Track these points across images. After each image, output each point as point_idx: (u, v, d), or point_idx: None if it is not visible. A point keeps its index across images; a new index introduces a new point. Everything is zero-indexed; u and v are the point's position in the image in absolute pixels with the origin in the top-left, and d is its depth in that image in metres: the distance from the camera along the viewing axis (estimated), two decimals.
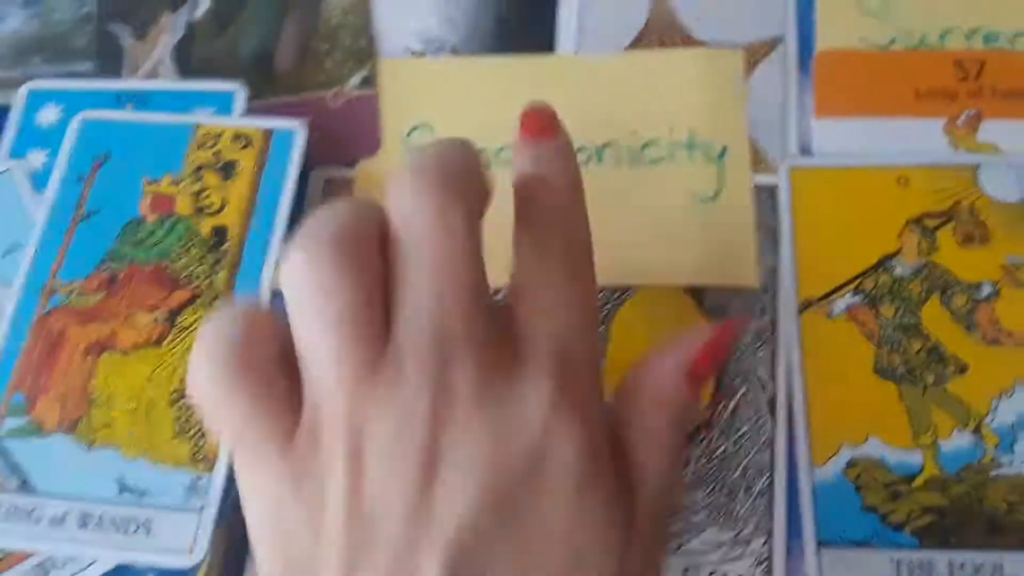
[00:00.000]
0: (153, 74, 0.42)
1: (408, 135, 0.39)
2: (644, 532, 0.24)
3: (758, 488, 0.32)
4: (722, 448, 0.33)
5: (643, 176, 0.37)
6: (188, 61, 0.42)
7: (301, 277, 0.22)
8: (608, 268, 0.34)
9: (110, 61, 0.43)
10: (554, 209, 0.25)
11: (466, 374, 0.22)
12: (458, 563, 0.21)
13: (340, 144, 0.38)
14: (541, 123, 0.26)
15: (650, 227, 0.37)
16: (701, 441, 0.33)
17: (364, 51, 0.41)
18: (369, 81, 0.40)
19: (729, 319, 0.27)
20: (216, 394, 0.22)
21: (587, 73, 0.40)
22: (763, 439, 0.33)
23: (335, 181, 0.38)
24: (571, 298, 0.24)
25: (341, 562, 0.21)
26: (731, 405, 0.33)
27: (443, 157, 0.23)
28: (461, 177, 0.23)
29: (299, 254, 0.22)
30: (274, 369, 0.22)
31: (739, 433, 0.33)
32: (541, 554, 0.22)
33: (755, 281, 0.35)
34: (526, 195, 0.25)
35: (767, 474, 0.32)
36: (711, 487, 0.32)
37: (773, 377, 0.33)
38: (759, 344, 0.34)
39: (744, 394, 0.33)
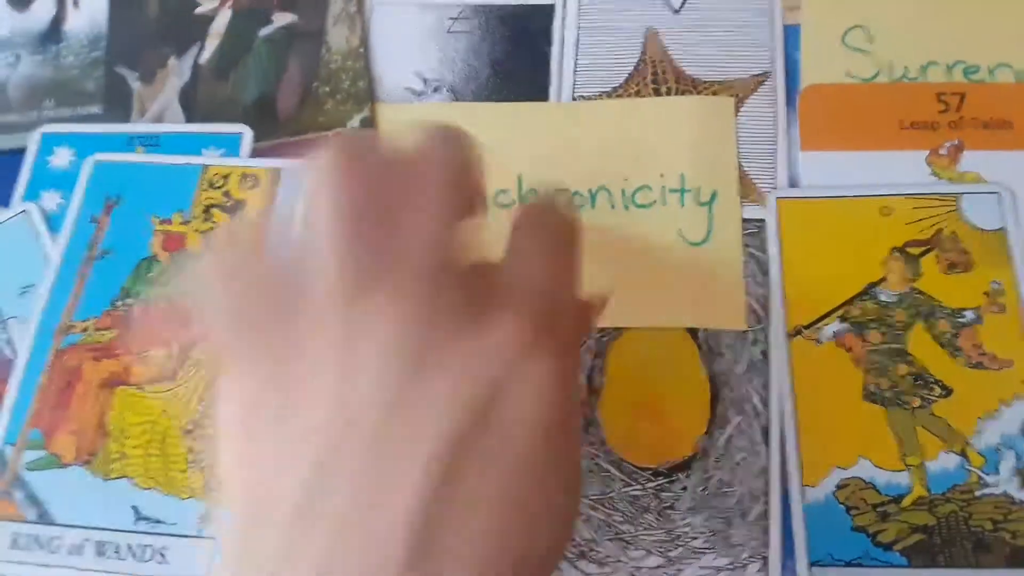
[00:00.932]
0: (160, 117, 0.44)
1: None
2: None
3: (754, 515, 0.33)
4: (718, 476, 0.34)
5: (634, 219, 0.38)
6: (194, 104, 0.44)
7: (335, 173, 0.23)
8: None
9: (118, 104, 0.45)
10: (551, 196, 0.27)
11: (454, 297, 0.22)
12: (438, 470, 0.21)
13: None
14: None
15: (640, 270, 0.37)
16: (697, 470, 0.34)
17: (363, 93, 0.43)
18: (368, 122, 0.42)
19: None
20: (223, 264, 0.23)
21: (581, 119, 0.41)
22: (758, 467, 0.34)
23: None
24: (557, 262, 0.25)
25: (317, 454, 0.21)
26: (726, 435, 0.34)
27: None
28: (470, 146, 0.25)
29: (340, 156, 0.23)
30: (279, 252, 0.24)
31: (735, 462, 0.34)
32: (509, 476, 0.22)
33: (743, 323, 0.36)
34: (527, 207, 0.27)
35: (762, 501, 0.33)
36: (708, 514, 0.33)
37: (767, 405, 0.34)
38: (752, 373, 0.35)
39: (739, 424, 0.34)
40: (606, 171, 0.39)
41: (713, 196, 0.38)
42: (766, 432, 0.34)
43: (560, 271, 0.25)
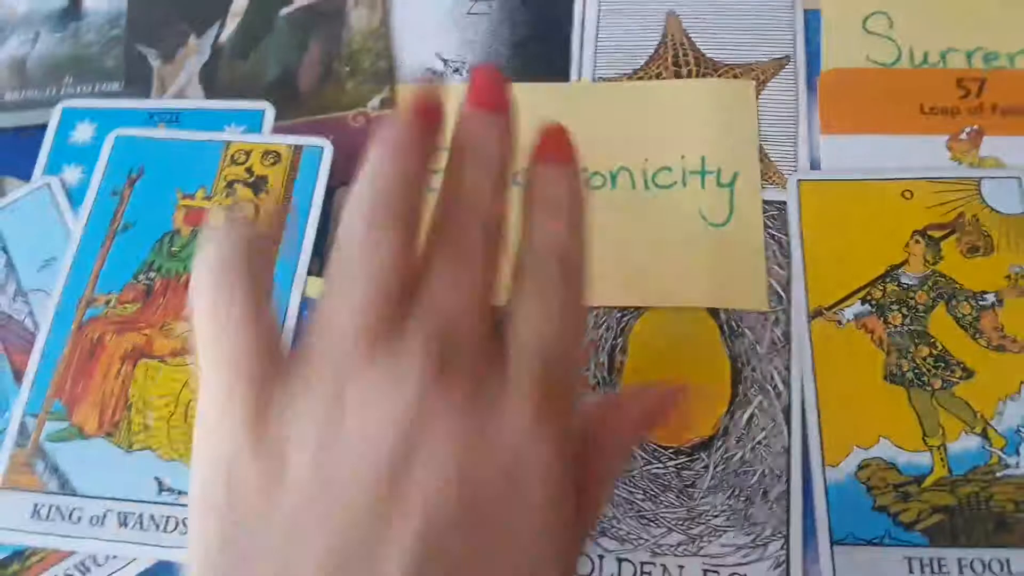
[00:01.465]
0: (181, 95, 0.44)
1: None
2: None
3: (775, 493, 0.33)
4: (739, 455, 0.34)
5: (655, 201, 0.38)
6: (214, 83, 0.44)
7: (358, 220, 0.23)
8: (621, 290, 0.35)
9: (138, 82, 0.45)
10: (556, 235, 0.25)
11: (460, 369, 0.22)
12: (422, 550, 0.20)
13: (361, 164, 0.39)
14: (557, 146, 0.27)
15: (662, 250, 0.37)
16: (719, 449, 0.34)
17: (384, 73, 0.43)
18: (388, 103, 0.42)
19: (674, 388, 0.27)
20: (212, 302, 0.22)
21: (602, 100, 0.41)
22: (779, 446, 0.34)
23: None
24: (563, 326, 0.25)
25: (288, 523, 0.20)
26: (747, 414, 0.34)
27: (468, 185, 0.25)
28: (482, 205, 0.24)
29: (364, 210, 0.23)
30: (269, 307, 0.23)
31: (755, 441, 0.34)
32: (502, 559, 0.22)
33: (765, 304, 0.36)
34: (532, 219, 0.26)
35: (783, 480, 0.33)
36: (729, 493, 0.33)
37: (788, 385, 0.34)
38: (774, 354, 0.35)
39: (760, 403, 0.34)
40: (627, 152, 0.39)
41: (734, 177, 0.38)
42: (787, 412, 0.34)
43: (567, 335, 0.25)
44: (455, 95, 0.25)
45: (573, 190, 0.27)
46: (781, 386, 0.34)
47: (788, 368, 0.35)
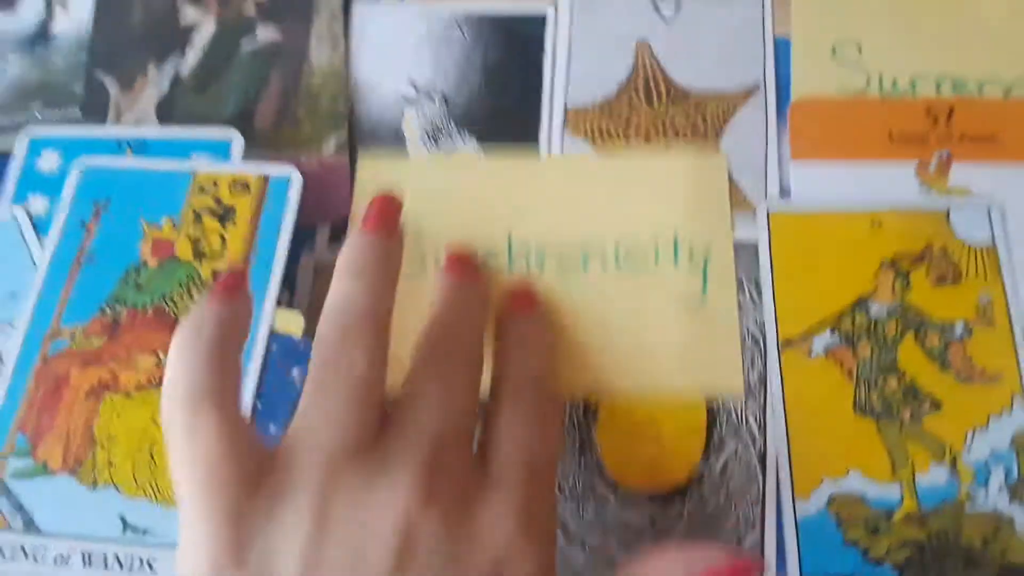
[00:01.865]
0: (137, 125, 0.43)
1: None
2: None
3: (749, 542, 0.33)
4: (713, 503, 0.34)
5: (627, 281, 0.37)
6: (171, 115, 0.43)
7: (331, 335, 0.25)
8: (591, 375, 0.35)
9: (95, 110, 0.44)
10: (531, 365, 0.29)
11: (445, 487, 0.23)
12: None
13: (313, 206, 0.38)
14: (526, 299, 0.32)
15: (634, 333, 0.36)
16: (693, 496, 0.34)
17: (341, 115, 0.42)
18: (343, 146, 0.41)
19: (748, 560, 0.27)
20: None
21: (572, 175, 0.40)
22: (754, 493, 0.34)
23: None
24: (537, 441, 0.27)
25: None
26: (722, 461, 0.34)
27: (454, 328, 0.28)
28: (465, 345, 0.27)
29: (337, 328, 0.25)
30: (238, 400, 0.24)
31: (729, 488, 0.34)
32: None
33: (740, 389, 0.35)
34: (507, 355, 0.29)
35: (758, 529, 0.33)
36: (703, 541, 0.33)
37: (763, 430, 0.34)
38: (750, 398, 0.35)
39: (735, 449, 0.34)
40: (597, 230, 0.38)
41: (707, 256, 0.37)
42: (762, 459, 0.34)
43: (546, 447, 0.27)
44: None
45: (541, 332, 0.31)
46: (756, 432, 0.34)
47: (764, 412, 0.35)
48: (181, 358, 0.24)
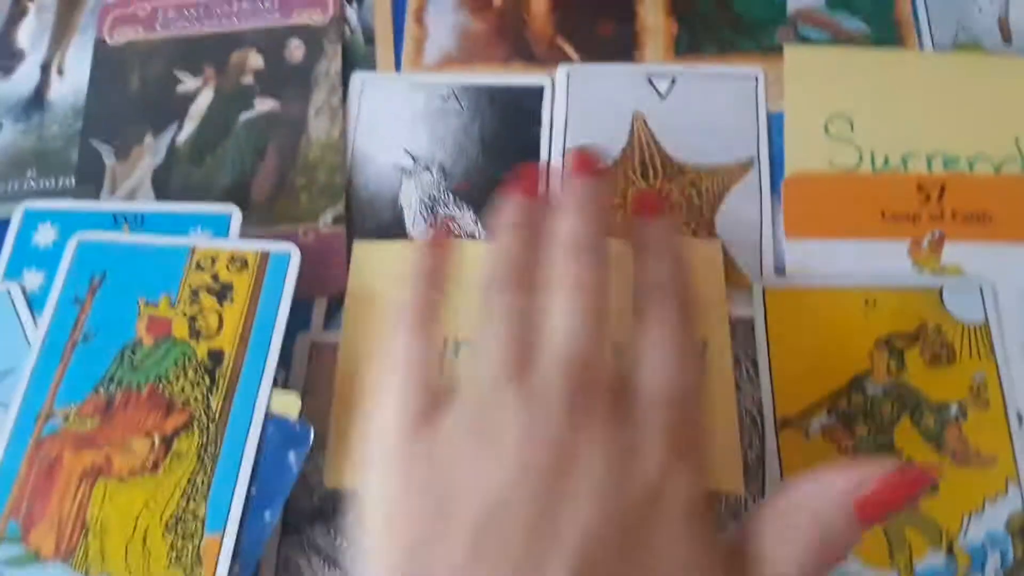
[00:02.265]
0: (131, 196, 0.43)
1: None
2: None
3: None
4: None
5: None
6: (166, 186, 0.43)
7: (491, 285, 0.28)
8: None
9: (90, 179, 0.44)
10: (669, 274, 0.30)
11: (595, 409, 0.25)
12: (581, 568, 0.22)
13: (309, 279, 0.38)
14: (652, 203, 0.33)
15: None
16: None
17: (338, 188, 0.42)
18: (340, 219, 0.41)
19: (915, 467, 0.28)
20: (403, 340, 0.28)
21: None
22: None
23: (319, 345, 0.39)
24: (686, 372, 0.28)
25: (466, 542, 0.23)
26: None
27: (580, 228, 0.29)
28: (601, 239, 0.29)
29: (496, 267, 0.29)
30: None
31: None
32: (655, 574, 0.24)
33: (740, 487, 0.35)
34: (643, 264, 0.30)
35: None
36: None
37: None
38: (748, 479, 0.35)
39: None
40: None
41: (704, 346, 0.37)
42: None
43: (689, 378, 0.28)
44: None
45: (673, 236, 0.32)
46: None
47: (764, 494, 0.35)
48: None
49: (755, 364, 0.37)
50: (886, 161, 0.42)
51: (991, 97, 0.43)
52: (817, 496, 0.26)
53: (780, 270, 0.39)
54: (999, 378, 0.36)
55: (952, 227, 0.40)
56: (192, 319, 0.36)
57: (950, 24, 0.45)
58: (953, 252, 0.39)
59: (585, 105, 0.43)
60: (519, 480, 0.24)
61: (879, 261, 0.39)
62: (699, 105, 0.42)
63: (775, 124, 0.42)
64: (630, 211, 0.33)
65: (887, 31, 0.44)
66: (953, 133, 0.42)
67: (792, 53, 0.44)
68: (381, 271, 0.39)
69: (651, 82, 0.43)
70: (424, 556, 0.23)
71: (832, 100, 0.43)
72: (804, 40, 0.44)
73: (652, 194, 0.35)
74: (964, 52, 0.44)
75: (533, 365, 0.26)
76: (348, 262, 0.40)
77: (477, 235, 0.41)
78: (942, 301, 0.38)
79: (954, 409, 0.36)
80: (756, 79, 0.43)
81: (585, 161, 0.32)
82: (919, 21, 0.45)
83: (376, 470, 0.26)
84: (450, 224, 0.32)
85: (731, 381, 0.36)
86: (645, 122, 0.42)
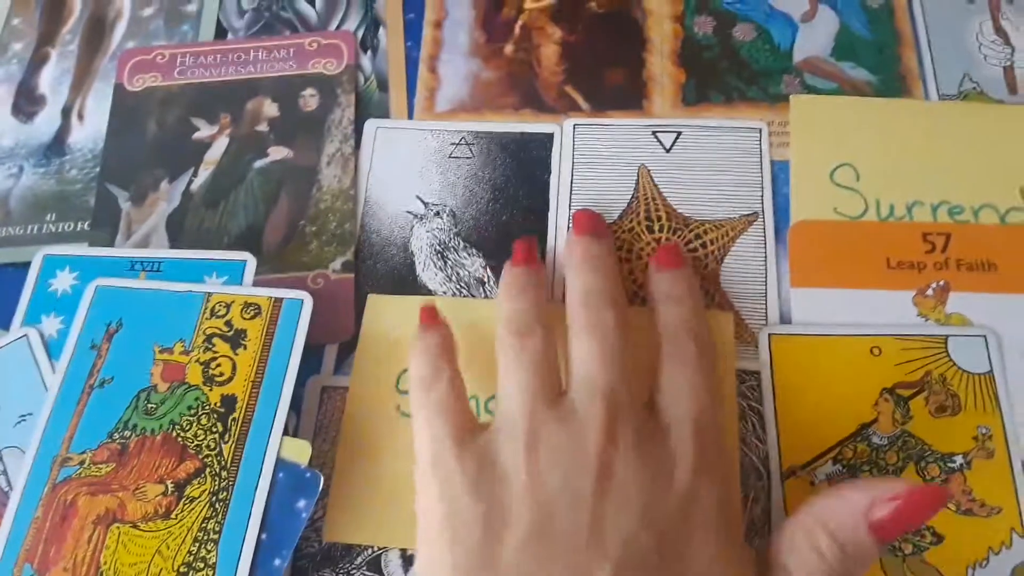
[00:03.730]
0: (146, 241, 0.44)
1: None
2: None
3: None
4: None
5: None
6: (180, 231, 0.44)
7: (511, 327, 0.31)
8: None
9: (106, 223, 0.45)
10: (685, 317, 0.33)
11: (628, 426, 0.27)
12: (623, 572, 0.24)
13: (318, 325, 0.38)
14: (672, 256, 0.36)
15: None
16: None
17: (348, 236, 0.43)
18: (350, 266, 0.42)
19: (931, 486, 0.29)
20: (425, 381, 0.31)
21: None
22: None
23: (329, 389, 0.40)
24: (703, 389, 0.30)
25: (517, 551, 0.25)
26: None
27: (595, 283, 0.33)
28: (609, 295, 0.32)
29: (509, 307, 0.32)
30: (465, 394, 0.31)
31: None
32: None
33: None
34: (660, 309, 0.33)
35: None
36: None
37: None
38: (752, 534, 0.35)
39: None
40: None
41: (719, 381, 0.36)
42: None
43: (710, 402, 0.30)
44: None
45: (692, 286, 0.35)
46: None
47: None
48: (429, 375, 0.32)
49: (761, 417, 0.37)
50: (891, 210, 0.42)
51: (997, 146, 0.43)
52: (837, 512, 0.28)
53: (786, 319, 0.40)
54: (1004, 428, 0.36)
55: (957, 277, 0.40)
56: (206, 365, 0.37)
57: (956, 74, 0.45)
58: (958, 302, 0.40)
59: (590, 157, 0.44)
60: (564, 495, 0.25)
61: (884, 311, 0.40)
62: (704, 158, 0.43)
63: (780, 173, 0.43)
64: (653, 262, 0.35)
65: (892, 81, 0.45)
66: (959, 182, 0.42)
67: (798, 102, 0.45)
68: (393, 323, 0.40)
69: (656, 136, 0.44)
70: (477, 565, 0.25)
71: (838, 149, 0.43)
72: (810, 89, 0.45)
73: (674, 248, 0.36)
74: (970, 101, 0.44)
75: (565, 394, 0.28)
76: (355, 309, 0.41)
77: (487, 281, 0.41)
78: (947, 351, 0.38)
79: (959, 460, 0.36)
80: (760, 131, 0.43)
81: (587, 221, 0.36)
82: (924, 71, 0.45)
83: (427, 488, 0.28)
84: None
85: (735, 456, 0.36)
86: (650, 175, 0.43)
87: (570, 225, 0.38)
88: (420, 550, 0.28)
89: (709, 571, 0.26)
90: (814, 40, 0.46)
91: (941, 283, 0.40)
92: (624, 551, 0.25)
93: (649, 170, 0.43)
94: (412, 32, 0.48)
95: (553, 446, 0.27)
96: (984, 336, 0.38)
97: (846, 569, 0.27)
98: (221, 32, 0.50)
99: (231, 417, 0.36)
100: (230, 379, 0.37)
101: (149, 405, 0.36)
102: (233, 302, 0.38)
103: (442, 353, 0.33)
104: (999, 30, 0.46)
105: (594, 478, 0.26)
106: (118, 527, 0.34)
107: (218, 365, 0.37)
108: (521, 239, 0.36)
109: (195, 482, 0.35)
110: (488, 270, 0.42)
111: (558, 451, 0.27)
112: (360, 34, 0.49)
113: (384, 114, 0.47)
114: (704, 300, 0.39)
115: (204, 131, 0.46)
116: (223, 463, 0.35)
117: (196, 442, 0.35)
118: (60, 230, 0.45)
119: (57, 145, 0.48)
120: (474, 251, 0.42)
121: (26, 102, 0.50)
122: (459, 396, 0.31)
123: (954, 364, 0.38)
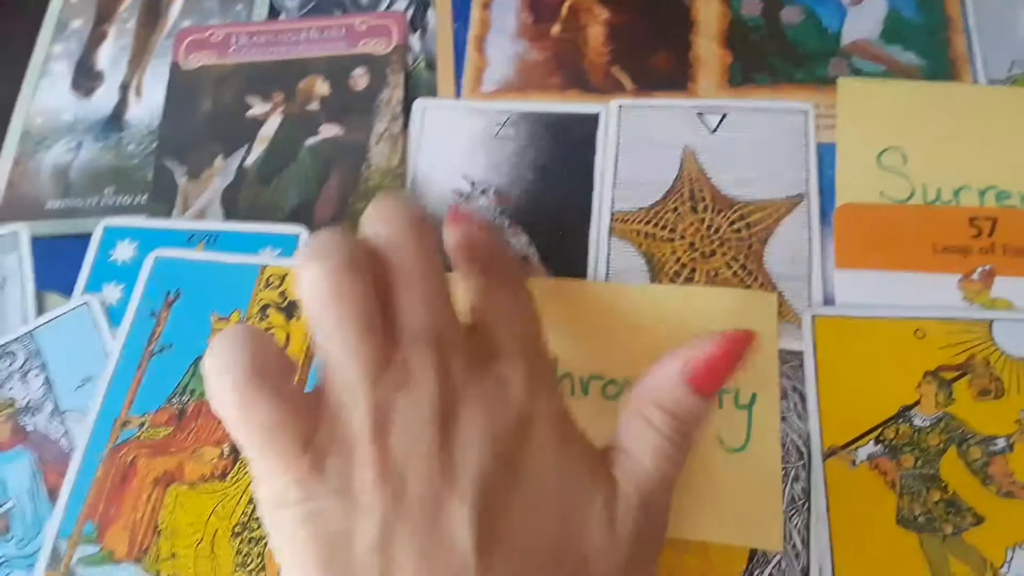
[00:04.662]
0: (202, 214, 0.45)
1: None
2: (633, 512, 0.28)
3: None
4: None
5: None
6: (235, 205, 0.45)
7: (322, 287, 0.26)
8: None
9: (163, 198, 0.46)
10: (503, 245, 0.32)
11: (459, 363, 0.27)
12: (481, 505, 0.25)
13: None
14: (458, 215, 0.32)
15: None
16: None
17: None
18: None
19: (741, 331, 0.29)
20: (239, 402, 0.25)
21: (620, 303, 0.40)
22: None
23: None
24: (522, 312, 0.30)
25: (376, 521, 0.24)
26: (766, 573, 0.35)
27: (405, 202, 0.30)
28: (425, 217, 0.29)
29: (317, 268, 0.26)
30: (287, 379, 0.27)
31: None
32: (543, 491, 0.27)
33: (779, 544, 0.35)
34: (480, 246, 0.31)
35: None
36: None
37: (807, 545, 0.35)
38: (793, 511, 0.35)
39: (778, 563, 0.35)
40: (643, 361, 0.36)
41: (753, 399, 0.37)
42: (806, 572, 0.34)
43: (530, 313, 0.31)
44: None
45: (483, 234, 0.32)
46: (800, 546, 0.35)
47: (808, 527, 0.35)
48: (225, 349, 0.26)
49: (803, 397, 0.37)
50: (938, 194, 0.42)
51: None
52: (658, 382, 0.29)
53: (830, 300, 0.40)
54: None
55: (1003, 261, 0.40)
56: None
57: (1005, 59, 0.45)
58: (1004, 286, 0.40)
59: (636, 139, 0.44)
60: (414, 440, 0.25)
61: (929, 294, 0.40)
62: (749, 139, 0.43)
63: (826, 156, 0.43)
64: (446, 225, 0.32)
65: (941, 65, 0.45)
66: (1006, 168, 0.42)
67: (845, 85, 0.45)
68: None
69: (701, 117, 0.44)
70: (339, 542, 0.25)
71: (885, 133, 0.43)
72: (857, 72, 0.45)
73: (454, 208, 0.35)
74: (1019, 86, 0.44)
75: (396, 349, 0.27)
76: None
77: (531, 259, 0.42)
78: (992, 335, 0.38)
79: (1001, 442, 0.36)
80: (806, 113, 0.43)
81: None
82: (973, 55, 0.45)
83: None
84: None
85: (777, 440, 0.36)
86: (695, 156, 0.43)
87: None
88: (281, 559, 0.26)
89: (558, 479, 0.27)
90: (862, 23, 0.46)
91: (987, 267, 0.40)
92: (478, 487, 0.25)
93: (694, 151, 0.43)
94: (460, 13, 0.49)
95: (398, 406, 0.26)
96: None
97: (681, 434, 0.29)
98: (274, 12, 0.51)
99: None
100: (285, 347, 0.38)
101: None
102: (287, 274, 0.39)
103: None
104: None
105: (437, 429, 0.26)
106: (176, 487, 0.35)
107: (273, 334, 0.38)
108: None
109: None
110: (533, 247, 0.42)
111: (403, 406, 0.26)
112: (409, 14, 0.50)
113: (432, 94, 0.47)
114: (747, 281, 0.39)
115: (258, 108, 0.48)
116: None
117: None
118: (119, 203, 0.47)
119: (115, 120, 0.50)
120: (519, 229, 0.43)
121: (85, 78, 0.51)
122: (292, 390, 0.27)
123: (998, 348, 0.38)
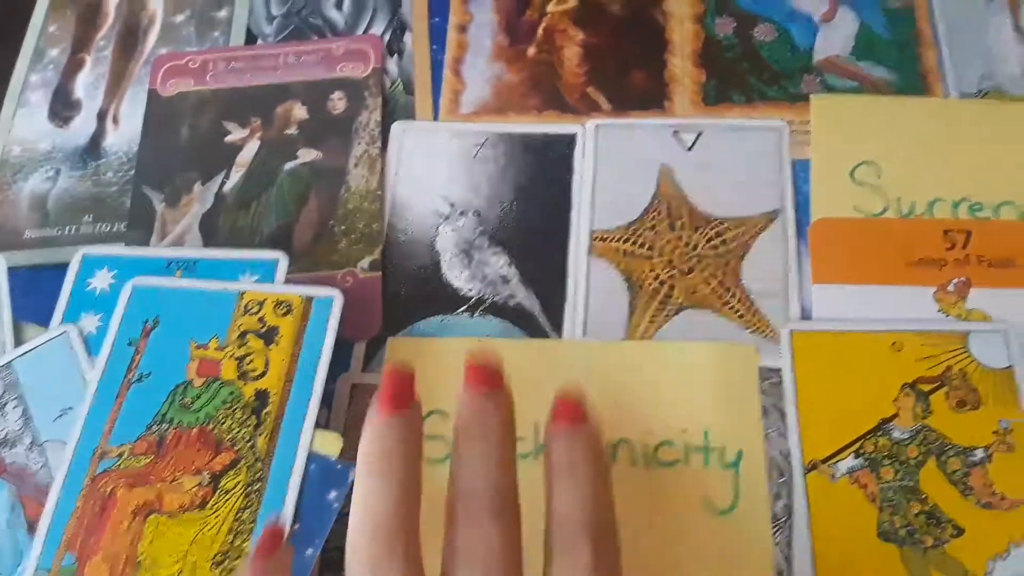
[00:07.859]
0: (180, 241, 0.45)
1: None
2: None
3: None
4: None
5: (657, 479, 0.36)
6: (213, 232, 0.45)
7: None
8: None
9: (141, 224, 0.46)
10: (579, 502, 0.26)
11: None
12: None
13: (346, 324, 0.39)
14: (571, 408, 0.28)
15: (663, 534, 0.35)
16: None
17: (376, 236, 0.44)
18: (376, 265, 0.43)
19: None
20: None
21: (598, 360, 0.40)
22: None
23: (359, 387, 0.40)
24: (599, 497, 0.26)
25: None
26: None
27: (482, 470, 0.26)
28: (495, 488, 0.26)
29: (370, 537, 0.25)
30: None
31: None
32: None
33: None
34: (553, 487, 0.27)
35: None
36: None
37: (790, 563, 0.35)
38: (775, 529, 0.36)
39: None
40: (627, 421, 0.37)
41: (739, 456, 0.37)
42: None
43: (602, 501, 0.26)
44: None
45: (591, 450, 0.27)
46: (783, 562, 0.35)
47: (791, 546, 0.35)
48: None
49: (782, 415, 0.38)
50: (912, 208, 0.42)
51: (1017, 144, 0.43)
52: None
53: (807, 315, 0.40)
54: None
55: (978, 273, 0.40)
56: (240, 361, 0.38)
57: (975, 72, 0.46)
58: (979, 298, 0.40)
59: (612, 158, 0.45)
60: None
61: (905, 307, 0.40)
62: (725, 157, 0.44)
63: (800, 171, 0.43)
64: (549, 417, 0.28)
65: (913, 79, 0.45)
66: (979, 180, 0.43)
67: (819, 102, 0.45)
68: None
69: (676, 135, 0.44)
70: None
71: (858, 147, 0.44)
72: (830, 89, 0.46)
73: (573, 398, 0.28)
74: (989, 100, 0.45)
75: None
76: (383, 307, 0.42)
77: (509, 278, 0.42)
78: (968, 346, 0.38)
79: (980, 453, 0.36)
80: (780, 131, 0.44)
81: (482, 366, 0.28)
82: (944, 69, 0.46)
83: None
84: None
85: (765, 488, 0.36)
86: (672, 174, 0.43)
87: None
88: None
89: None
90: (834, 40, 0.47)
91: (962, 279, 0.40)
92: None
93: (671, 169, 0.44)
94: (437, 36, 0.49)
95: None
96: (1004, 332, 0.39)
97: None
98: (251, 38, 0.51)
99: (265, 411, 0.37)
100: (263, 374, 0.38)
101: (185, 399, 0.37)
102: (266, 300, 0.39)
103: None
104: (1018, 29, 0.47)
105: None
106: (156, 518, 0.35)
107: (252, 361, 0.38)
108: (391, 370, 0.27)
109: (230, 474, 0.36)
110: (512, 268, 0.42)
111: None
112: (387, 38, 0.50)
113: (410, 116, 0.48)
114: (725, 297, 0.40)
115: (235, 134, 0.48)
116: (257, 455, 0.36)
117: (231, 435, 0.36)
118: (97, 231, 0.47)
119: (93, 148, 0.50)
120: (499, 250, 0.43)
121: (62, 107, 0.51)
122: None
123: (974, 359, 0.38)
